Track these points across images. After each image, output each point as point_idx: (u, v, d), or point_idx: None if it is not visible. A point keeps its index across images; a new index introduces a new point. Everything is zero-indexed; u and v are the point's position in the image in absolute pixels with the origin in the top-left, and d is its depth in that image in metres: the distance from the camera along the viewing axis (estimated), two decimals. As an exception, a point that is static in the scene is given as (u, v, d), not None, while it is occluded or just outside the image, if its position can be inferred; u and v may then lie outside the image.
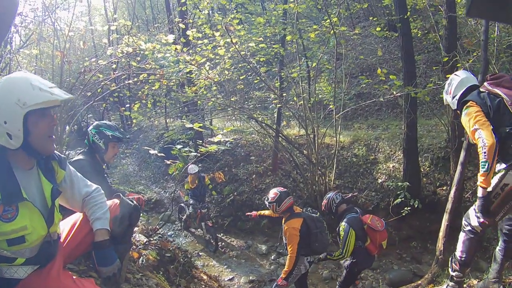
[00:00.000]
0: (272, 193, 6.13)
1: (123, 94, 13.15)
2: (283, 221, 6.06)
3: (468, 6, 1.33)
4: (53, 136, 2.43)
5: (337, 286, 6.64)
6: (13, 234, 2.24)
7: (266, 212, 6.94)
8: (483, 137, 3.25)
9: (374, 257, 6.14)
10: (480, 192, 3.38)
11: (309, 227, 5.80)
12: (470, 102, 3.55)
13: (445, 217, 6.39)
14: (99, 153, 4.43)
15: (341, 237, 5.86)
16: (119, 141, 4.50)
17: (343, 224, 5.90)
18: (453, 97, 3.89)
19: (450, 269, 4.12)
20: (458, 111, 3.86)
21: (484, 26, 6.55)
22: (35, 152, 2.37)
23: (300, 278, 6.24)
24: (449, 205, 6.36)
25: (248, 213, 7.38)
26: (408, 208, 8.86)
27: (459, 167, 6.47)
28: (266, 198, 6.21)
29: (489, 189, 3.38)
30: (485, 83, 3.68)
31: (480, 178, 3.30)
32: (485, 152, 3.21)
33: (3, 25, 2.12)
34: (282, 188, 6.28)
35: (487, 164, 3.21)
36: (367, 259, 6.06)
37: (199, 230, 11.20)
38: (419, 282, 5.39)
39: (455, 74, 4.01)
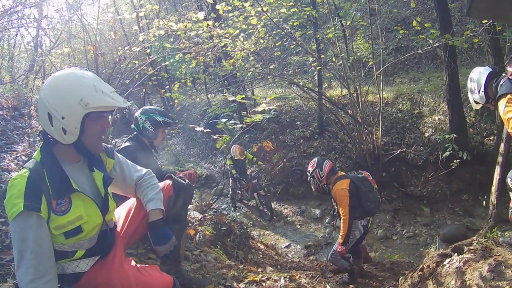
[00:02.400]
0: (311, 162, 6.10)
1: (161, 77, 13.25)
2: (331, 187, 5.94)
3: (468, 6, 1.31)
4: (103, 137, 2.49)
5: None
6: (70, 226, 2.29)
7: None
8: None
9: None
10: None
11: (357, 187, 5.71)
12: (510, 95, 3.47)
13: (497, 170, 6.20)
14: (149, 138, 4.51)
15: None
16: (169, 126, 4.58)
17: None
18: (479, 91, 3.88)
19: None
20: (492, 104, 3.87)
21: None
22: (85, 150, 2.43)
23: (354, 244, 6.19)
24: (499, 158, 6.18)
25: None
26: (457, 160, 8.64)
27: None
28: (307, 172, 6.11)
29: None
30: (511, 69, 3.63)
31: None
32: None
33: None
34: None
35: None
36: None
37: (252, 201, 11.32)
38: (474, 238, 5.29)
39: (472, 72, 4.03)
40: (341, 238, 5.67)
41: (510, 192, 4.09)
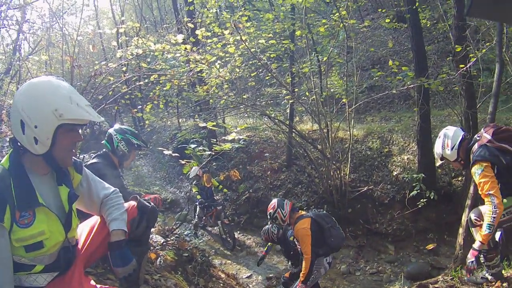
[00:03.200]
0: (270, 205, 6.19)
1: (134, 96, 13.16)
2: (292, 227, 6.01)
3: (468, 6, 1.33)
4: (74, 151, 2.45)
5: None
6: (31, 240, 2.23)
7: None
8: (495, 204, 3.62)
9: None
10: (477, 245, 3.85)
11: (319, 224, 5.80)
12: (486, 163, 3.79)
13: (465, 212, 6.33)
14: (121, 159, 4.47)
15: None
16: (141, 149, 4.56)
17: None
18: (452, 148, 4.15)
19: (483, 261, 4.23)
20: (461, 162, 4.21)
21: (498, 28, 6.72)
22: (54, 162, 2.38)
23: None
24: (468, 201, 6.30)
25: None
26: (424, 200, 8.82)
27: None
28: (268, 214, 6.18)
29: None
30: (487, 135, 3.95)
31: (482, 237, 3.75)
32: (494, 217, 3.61)
33: None
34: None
35: (492, 228, 3.65)
36: None
37: (215, 228, 11.22)
38: (440, 277, 5.35)
39: (446, 129, 4.36)
40: (303, 276, 5.71)
41: (472, 229, 4.39)
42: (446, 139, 4.19)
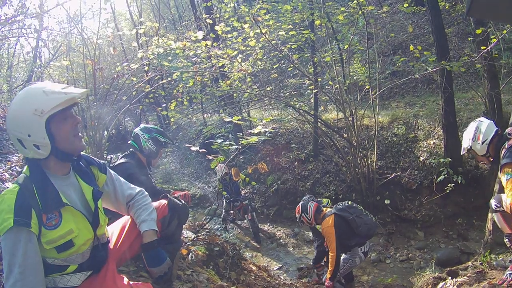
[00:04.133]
0: (296, 209, 6.51)
1: (158, 95, 13.27)
2: (320, 227, 6.19)
3: (468, 6, 1.31)
4: (80, 134, 2.46)
5: None
6: (61, 240, 2.29)
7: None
8: None
9: None
10: None
11: (343, 217, 5.94)
12: None
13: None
14: (149, 157, 4.53)
15: None
16: (167, 146, 4.62)
17: None
18: (483, 142, 4.01)
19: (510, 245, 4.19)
20: (489, 158, 4.11)
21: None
22: (64, 155, 2.40)
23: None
24: (497, 186, 6.20)
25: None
26: (452, 184, 8.72)
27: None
28: (297, 219, 6.53)
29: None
30: None
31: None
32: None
33: None
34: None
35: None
36: None
37: (244, 221, 11.27)
38: (469, 263, 5.31)
39: (480, 120, 4.16)
40: (329, 273, 5.89)
41: (493, 214, 4.41)
42: (478, 132, 4.05)
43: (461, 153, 4.39)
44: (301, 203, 6.45)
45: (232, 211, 11.22)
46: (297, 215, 6.40)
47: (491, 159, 4.07)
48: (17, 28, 11.33)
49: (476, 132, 4.04)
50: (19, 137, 2.22)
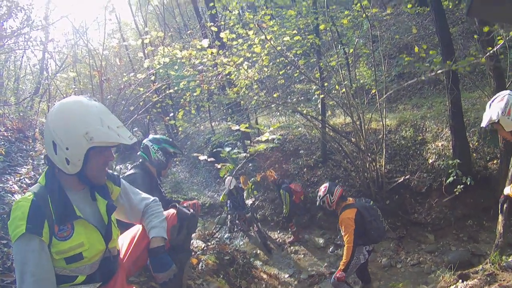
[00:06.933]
0: (322, 188, 6.44)
1: (165, 104, 13.29)
2: (338, 214, 6.20)
3: (468, 6, 1.30)
4: (106, 169, 2.51)
5: None
6: (71, 252, 2.29)
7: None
8: None
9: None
10: None
11: (363, 216, 6.00)
12: None
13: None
14: (159, 168, 4.55)
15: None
16: (177, 156, 4.63)
17: (281, 191, 10.41)
18: None
19: None
20: None
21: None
22: (87, 181, 2.43)
23: (360, 267, 6.42)
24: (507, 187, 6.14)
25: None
26: (461, 186, 8.64)
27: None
28: (318, 196, 6.45)
29: None
30: None
31: None
32: None
33: None
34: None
35: None
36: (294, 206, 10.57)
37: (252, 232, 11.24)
38: (480, 266, 5.27)
39: (510, 94, 3.84)
40: (343, 264, 5.92)
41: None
42: (509, 106, 3.75)
43: (484, 125, 4.09)
44: (329, 183, 6.48)
45: (237, 221, 11.22)
46: (320, 193, 6.37)
47: None
48: (23, 41, 11.42)
49: (507, 106, 3.76)
50: (57, 142, 2.24)
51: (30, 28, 10.90)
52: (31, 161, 8.05)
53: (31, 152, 8.74)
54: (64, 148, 2.21)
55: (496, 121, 3.80)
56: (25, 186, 6.17)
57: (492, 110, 3.85)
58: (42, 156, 7.57)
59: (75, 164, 2.25)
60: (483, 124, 3.99)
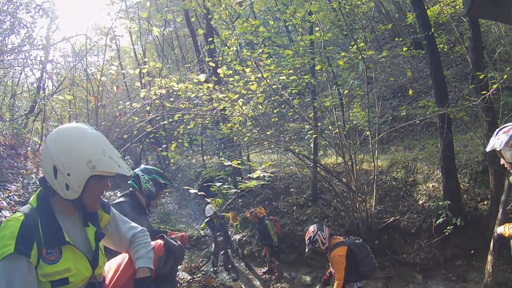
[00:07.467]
0: (309, 230, 6.58)
1: (159, 135, 13.34)
2: (328, 253, 6.32)
3: (468, 6, 1.35)
4: (101, 197, 2.54)
5: None
6: (57, 276, 2.28)
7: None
8: None
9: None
10: None
11: (354, 253, 6.13)
12: None
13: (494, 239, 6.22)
14: (149, 198, 4.55)
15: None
16: (167, 188, 4.64)
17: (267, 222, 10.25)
18: None
19: None
20: None
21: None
22: (82, 207, 2.45)
23: None
24: (496, 228, 6.19)
25: None
26: (451, 227, 8.69)
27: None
28: (308, 239, 6.51)
29: None
30: None
31: None
32: None
33: None
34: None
35: None
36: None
37: (241, 264, 11.17)
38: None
39: None
40: None
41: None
42: None
43: (488, 150, 4.14)
44: (315, 224, 6.65)
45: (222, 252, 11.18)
46: (310, 235, 6.42)
47: None
48: (23, 58, 11.51)
49: (511, 139, 3.78)
50: (58, 167, 2.26)
51: (31, 46, 11.00)
52: (21, 179, 8.04)
53: (22, 170, 8.73)
54: (66, 174, 2.24)
55: (498, 151, 3.87)
56: (13, 203, 6.15)
57: (497, 139, 3.90)
58: (33, 176, 7.55)
59: (74, 190, 2.28)
60: (487, 149, 4.09)
